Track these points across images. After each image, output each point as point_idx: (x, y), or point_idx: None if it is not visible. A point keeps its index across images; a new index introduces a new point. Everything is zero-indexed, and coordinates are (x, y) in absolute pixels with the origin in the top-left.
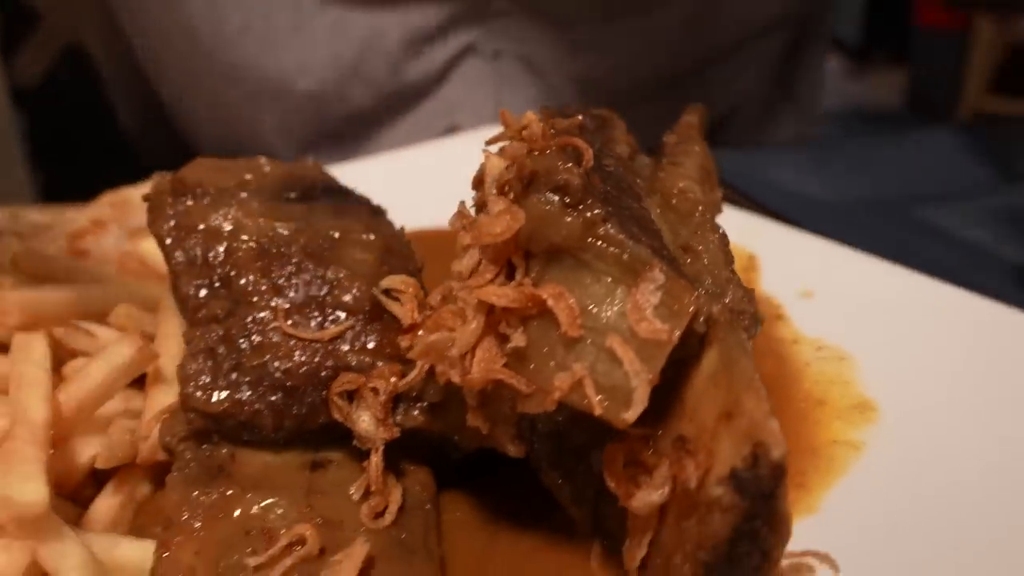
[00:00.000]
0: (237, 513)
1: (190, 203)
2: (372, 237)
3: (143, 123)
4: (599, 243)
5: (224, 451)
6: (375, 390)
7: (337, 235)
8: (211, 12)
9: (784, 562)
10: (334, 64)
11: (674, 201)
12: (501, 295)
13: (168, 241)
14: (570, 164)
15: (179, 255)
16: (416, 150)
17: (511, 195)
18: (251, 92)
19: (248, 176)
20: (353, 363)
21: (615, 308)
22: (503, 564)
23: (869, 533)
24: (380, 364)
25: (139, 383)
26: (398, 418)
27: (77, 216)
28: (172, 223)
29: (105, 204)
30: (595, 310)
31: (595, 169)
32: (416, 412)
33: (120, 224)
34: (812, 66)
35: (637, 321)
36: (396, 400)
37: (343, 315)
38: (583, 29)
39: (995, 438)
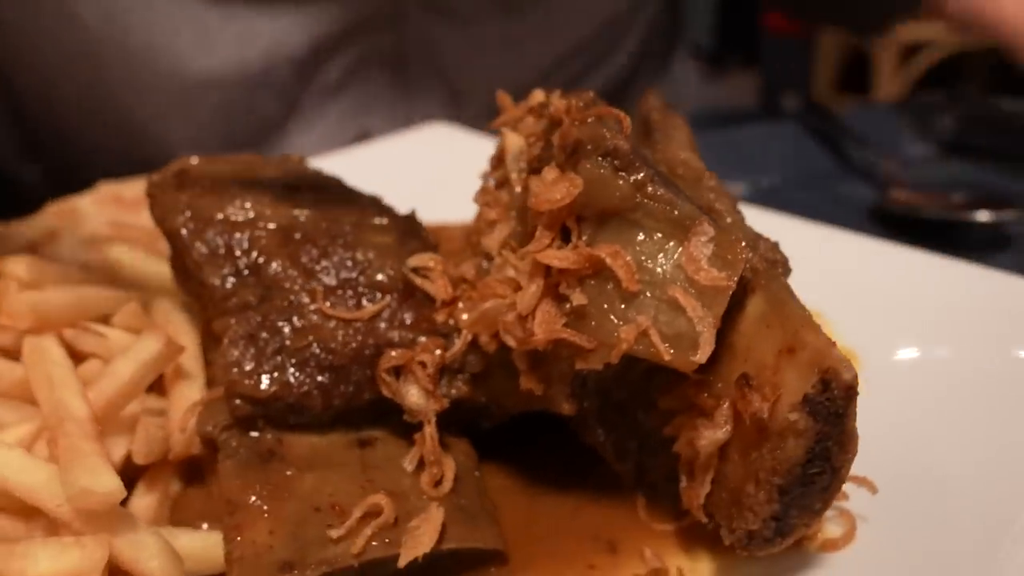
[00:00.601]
0: (301, 492)
1: (199, 195)
2: (386, 221)
3: (20, 153)
4: (649, 202)
5: (270, 436)
6: (423, 364)
7: (353, 219)
8: (114, 33)
9: None
10: (241, 74)
11: (680, 171)
12: (562, 257)
13: (185, 234)
14: (615, 131)
15: (200, 246)
16: (339, 155)
17: (552, 165)
18: (159, 109)
19: (244, 169)
20: (395, 339)
21: (670, 261)
22: (548, 523)
23: (882, 460)
24: (421, 339)
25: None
26: (443, 390)
27: (26, 228)
28: (187, 214)
29: (52, 215)
30: (650, 265)
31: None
32: (460, 383)
33: (72, 233)
34: (678, 55)
35: (695, 271)
36: (440, 373)
37: (378, 294)
38: (485, 26)
39: (967, 369)
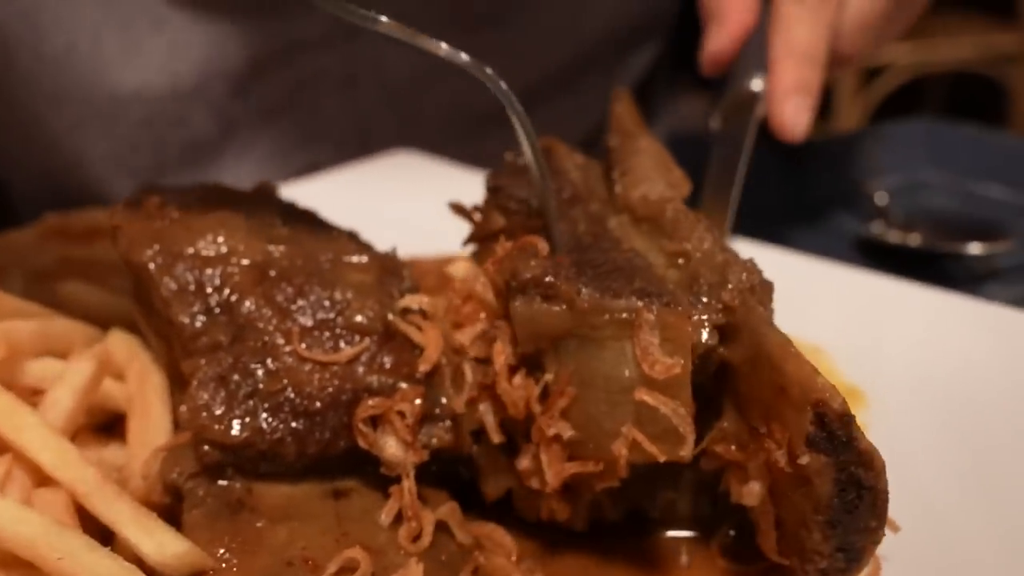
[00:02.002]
0: (273, 545)
1: (168, 227)
2: (365, 259)
3: None
4: (587, 316)
5: (238, 485)
6: (401, 413)
7: (331, 256)
8: (29, 33)
9: None
10: (171, 87)
11: (640, 212)
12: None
13: (152, 268)
14: (531, 261)
15: (168, 282)
16: (300, 185)
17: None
18: (76, 120)
19: (216, 199)
20: (374, 384)
21: (630, 362)
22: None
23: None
24: (401, 385)
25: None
26: (422, 440)
27: None
28: (156, 248)
29: None
30: (615, 372)
31: (559, 237)
32: (441, 431)
33: (17, 269)
34: (666, 84)
35: (651, 365)
36: (420, 422)
37: (357, 337)
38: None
39: (969, 403)
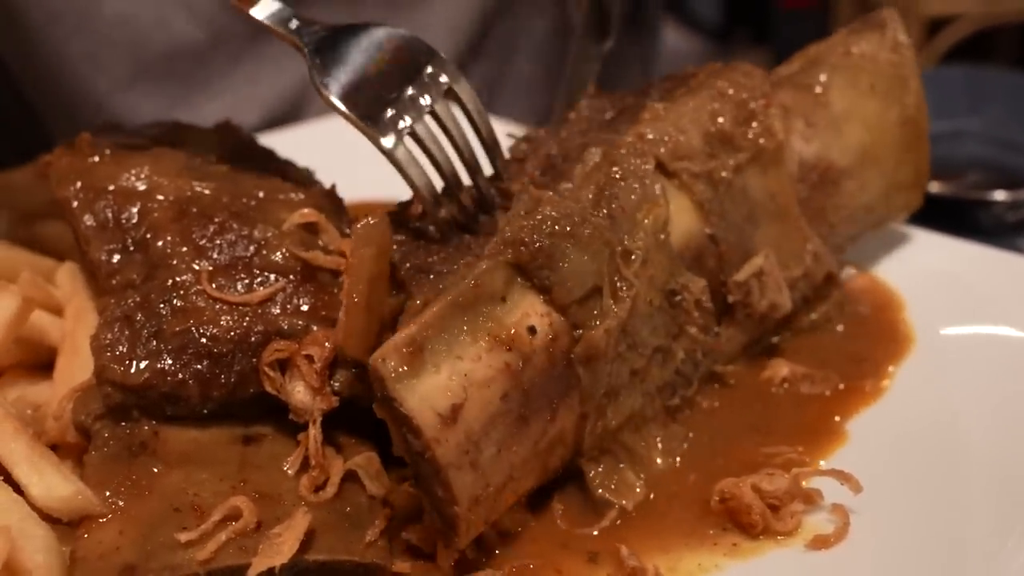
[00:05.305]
0: (164, 490)
1: (96, 163)
2: (301, 196)
3: None
4: None
5: (146, 428)
6: (309, 357)
7: (262, 194)
8: None
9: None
10: None
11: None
12: None
13: (75, 204)
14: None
15: (88, 219)
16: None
17: None
18: (53, 13)
19: (166, 136)
20: (285, 327)
21: None
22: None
23: (889, 453)
24: (314, 328)
25: (39, 371)
26: (336, 386)
27: None
28: (78, 184)
29: None
30: None
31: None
32: (354, 377)
33: (10, 207)
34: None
35: None
36: (333, 366)
37: (273, 276)
38: None
39: (987, 355)
